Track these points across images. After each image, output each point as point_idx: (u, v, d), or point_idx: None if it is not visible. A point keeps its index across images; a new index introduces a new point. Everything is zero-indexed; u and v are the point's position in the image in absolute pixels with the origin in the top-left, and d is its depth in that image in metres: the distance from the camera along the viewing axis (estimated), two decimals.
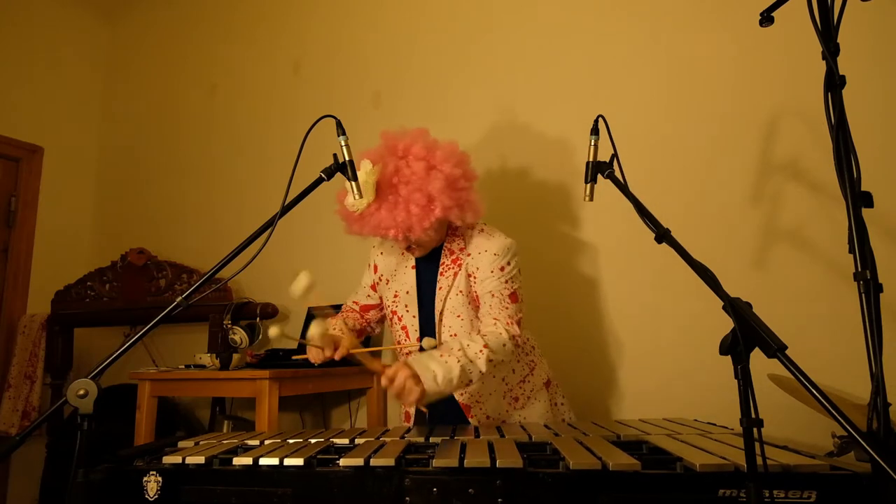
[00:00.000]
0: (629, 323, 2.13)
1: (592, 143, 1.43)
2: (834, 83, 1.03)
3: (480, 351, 1.42)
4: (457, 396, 1.62)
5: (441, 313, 1.61)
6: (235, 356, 2.31)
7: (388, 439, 1.25)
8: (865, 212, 0.98)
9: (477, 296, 1.61)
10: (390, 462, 1.03)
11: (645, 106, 2.18)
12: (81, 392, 0.99)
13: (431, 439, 1.26)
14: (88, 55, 3.71)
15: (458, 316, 1.61)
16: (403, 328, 1.68)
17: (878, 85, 1.80)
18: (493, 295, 1.56)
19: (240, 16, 3.31)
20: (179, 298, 1.15)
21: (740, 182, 1.99)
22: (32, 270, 3.31)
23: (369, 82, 2.81)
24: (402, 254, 1.70)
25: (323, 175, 1.36)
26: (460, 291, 1.60)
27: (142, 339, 1.14)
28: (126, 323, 3.09)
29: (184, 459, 1.12)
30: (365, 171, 1.47)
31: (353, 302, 1.87)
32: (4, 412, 2.98)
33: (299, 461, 1.07)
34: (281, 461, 1.07)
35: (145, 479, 1.09)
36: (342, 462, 1.05)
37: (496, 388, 1.66)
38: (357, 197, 1.41)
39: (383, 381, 1.32)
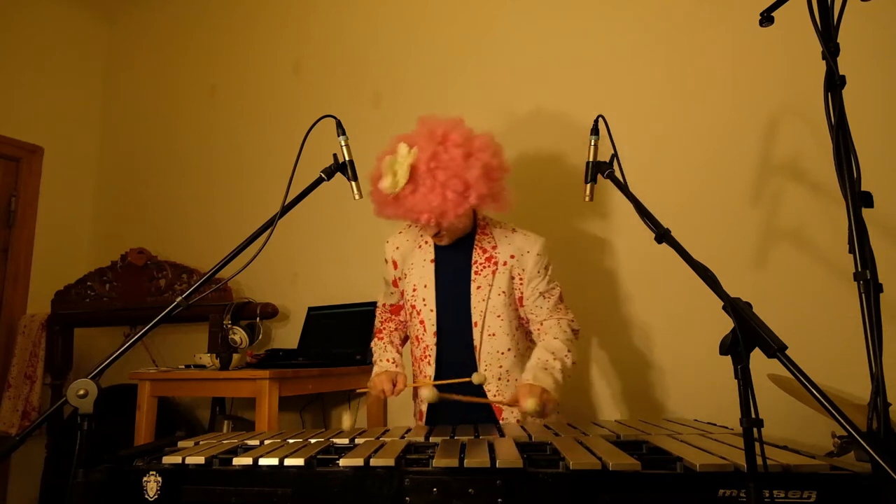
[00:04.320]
0: (629, 323, 2.13)
1: (592, 143, 1.43)
2: (834, 83, 1.04)
3: (568, 356, 1.52)
4: (490, 398, 1.59)
5: (484, 313, 1.61)
6: (235, 356, 2.31)
7: (388, 439, 1.25)
8: (865, 212, 0.98)
9: (520, 297, 1.64)
10: (390, 462, 1.02)
11: (645, 106, 2.18)
12: (81, 392, 0.99)
13: (431, 439, 1.26)
14: (88, 55, 3.71)
15: (499, 316, 1.62)
16: (421, 322, 1.67)
17: (878, 85, 1.80)
18: (545, 297, 1.63)
19: (240, 16, 3.31)
20: (179, 298, 1.15)
21: (740, 182, 1.99)
22: (32, 270, 3.31)
23: (369, 82, 2.81)
24: (420, 247, 1.71)
25: (323, 175, 1.36)
26: (503, 292, 1.62)
27: (142, 339, 1.14)
28: (126, 323, 3.09)
29: (184, 459, 1.12)
30: (401, 154, 1.48)
31: (383, 304, 1.88)
32: (4, 412, 2.98)
33: (299, 461, 1.06)
34: (281, 461, 1.07)
35: (145, 479, 1.09)
36: (342, 462, 1.04)
37: None
38: (358, 197, 1.41)
39: (531, 412, 1.35)
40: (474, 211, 1.67)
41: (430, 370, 1.65)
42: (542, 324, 1.63)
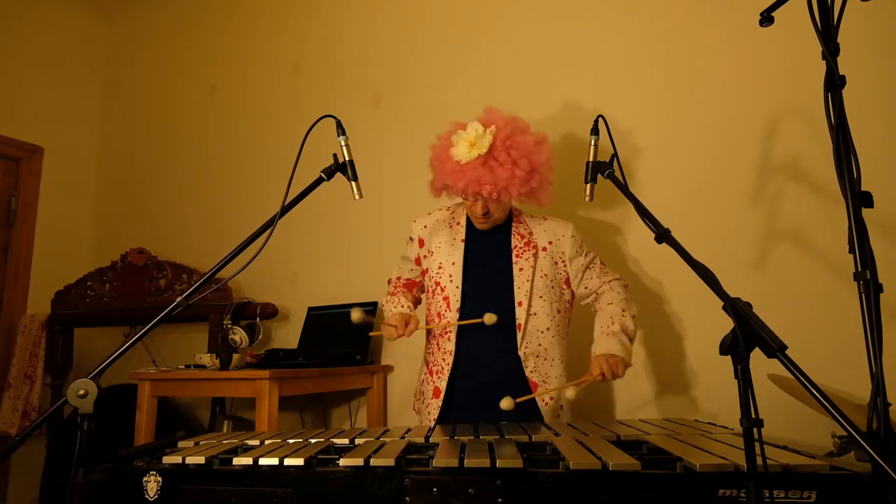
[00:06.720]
0: None
1: (592, 143, 1.43)
2: (834, 83, 1.03)
3: (625, 314, 1.68)
4: (527, 374, 1.68)
5: (529, 293, 1.70)
6: (235, 356, 2.31)
7: (388, 439, 1.25)
8: (865, 212, 0.98)
9: (567, 278, 1.77)
10: (390, 462, 1.02)
11: (645, 106, 2.18)
12: (81, 392, 1.00)
13: (431, 439, 1.26)
14: (88, 55, 3.71)
15: (541, 297, 1.72)
16: (445, 298, 1.74)
17: (878, 85, 1.80)
18: (590, 268, 1.79)
19: (240, 16, 3.31)
20: (179, 298, 1.15)
21: (740, 182, 1.99)
22: (32, 270, 3.31)
23: (369, 82, 2.81)
24: (451, 227, 1.82)
25: (323, 175, 1.36)
26: (545, 275, 1.73)
27: (142, 339, 1.14)
28: (126, 323, 3.09)
29: (184, 459, 1.12)
30: (475, 129, 1.61)
31: (398, 278, 1.96)
32: (4, 412, 2.98)
33: (299, 461, 1.07)
34: (281, 461, 1.07)
35: (145, 479, 1.09)
36: (342, 462, 1.05)
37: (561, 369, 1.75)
38: (357, 197, 1.41)
39: (601, 377, 1.56)
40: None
41: (451, 346, 1.71)
42: (596, 293, 1.78)
